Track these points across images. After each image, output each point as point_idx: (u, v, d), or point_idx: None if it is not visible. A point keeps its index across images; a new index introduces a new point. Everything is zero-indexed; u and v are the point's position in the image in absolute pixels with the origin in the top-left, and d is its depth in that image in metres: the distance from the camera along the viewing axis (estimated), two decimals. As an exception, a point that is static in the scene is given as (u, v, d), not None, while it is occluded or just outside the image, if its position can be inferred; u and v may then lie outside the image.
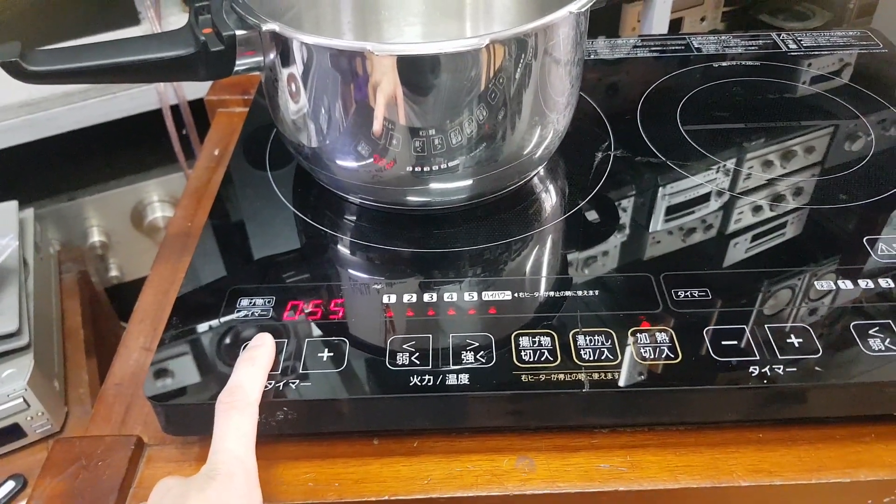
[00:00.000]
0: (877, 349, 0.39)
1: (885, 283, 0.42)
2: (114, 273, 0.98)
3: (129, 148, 0.93)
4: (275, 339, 0.40)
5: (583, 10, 0.42)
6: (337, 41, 0.39)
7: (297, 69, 0.42)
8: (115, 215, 0.95)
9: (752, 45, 0.67)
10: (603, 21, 1.18)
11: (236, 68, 0.43)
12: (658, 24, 1.15)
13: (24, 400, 0.61)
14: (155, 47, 0.41)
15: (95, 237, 0.94)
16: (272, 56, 0.42)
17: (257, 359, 0.38)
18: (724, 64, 0.65)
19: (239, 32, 0.41)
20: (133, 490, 0.39)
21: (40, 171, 0.89)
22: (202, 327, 0.41)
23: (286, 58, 0.41)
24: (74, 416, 0.67)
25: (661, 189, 0.51)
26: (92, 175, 0.93)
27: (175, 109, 0.84)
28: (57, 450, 0.40)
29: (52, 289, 0.78)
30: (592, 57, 0.67)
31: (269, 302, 0.42)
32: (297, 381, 0.38)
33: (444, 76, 0.41)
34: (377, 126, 0.43)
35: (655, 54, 0.67)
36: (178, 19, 0.79)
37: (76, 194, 0.92)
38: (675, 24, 1.29)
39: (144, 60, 0.41)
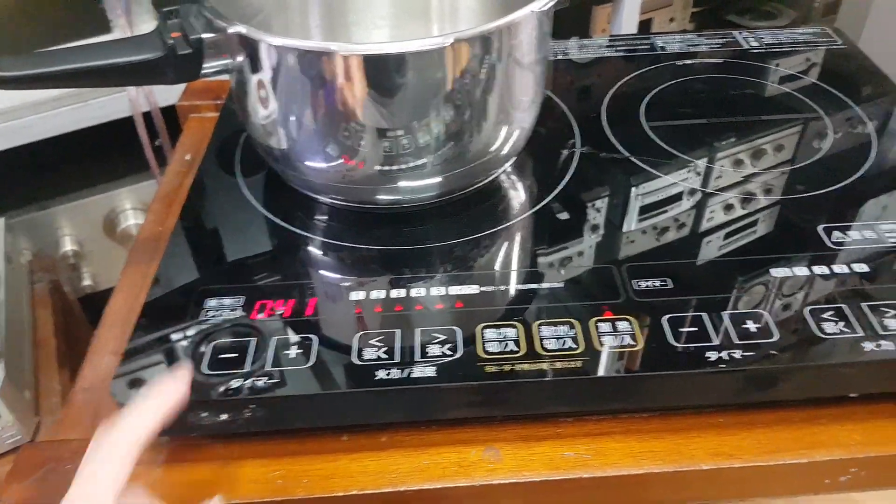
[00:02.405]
0: (830, 332, 0.40)
1: (838, 269, 0.44)
2: (87, 282, 0.98)
3: (102, 156, 0.93)
4: (244, 337, 0.40)
5: (545, 9, 0.43)
6: (303, 42, 0.40)
7: (264, 72, 0.42)
8: (87, 224, 0.95)
9: (715, 44, 0.69)
10: (574, 22, 1.20)
11: (204, 71, 0.43)
12: (627, 24, 1.17)
13: (-4, 409, 0.60)
14: (123, 51, 0.42)
15: (68, 246, 0.94)
16: (240, 59, 0.43)
17: (154, 398, 0.35)
18: (687, 62, 0.66)
19: (206, 36, 0.42)
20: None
21: (11, 181, 0.89)
22: (170, 329, 0.41)
23: (254, 60, 0.42)
24: (46, 425, 0.66)
25: (624, 184, 0.52)
26: (64, 184, 0.92)
27: (147, 116, 0.84)
28: (24, 455, 0.40)
29: (24, 299, 0.78)
30: (561, 57, 0.68)
31: (237, 301, 0.43)
32: (265, 378, 0.38)
33: (410, 76, 0.42)
34: (346, 127, 0.43)
35: (621, 54, 0.68)
36: (149, 26, 0.79)
37: (48, 203, 0.92)
38: (645, 25, 1.32)
39: (113, 64, 0.41)
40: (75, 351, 0.79)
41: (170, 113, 0.84)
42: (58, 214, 0.92)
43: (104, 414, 0.43)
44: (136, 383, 0.39)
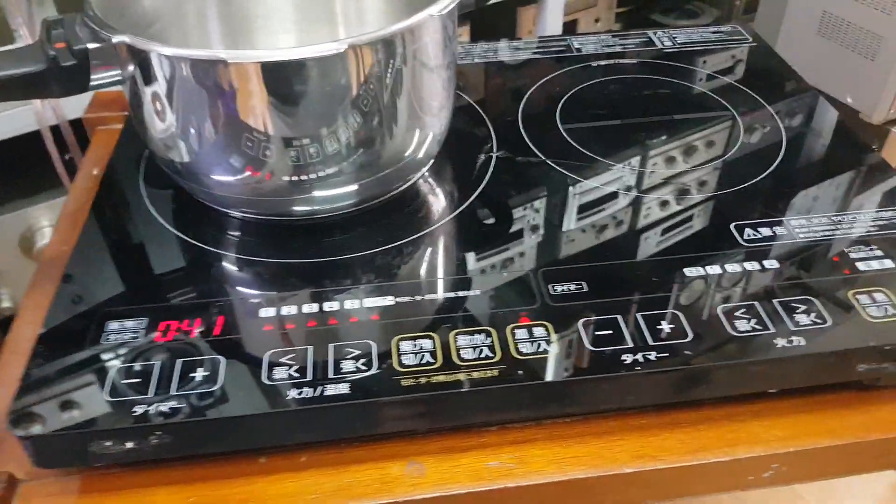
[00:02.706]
0: (743, 330, 0.40)
1: (749, 266, 0.44)
2: (5, 304, 0.94)
3: (13, 172, 0.89)
4: (146, 361, 0.38)
5: (445, 12, 0.42)
6: (191, 51, 0.39)
7: (158, 83, 0.41)
8: (3, 243, 0.91)
9: (630, 44, 0.69)
10: (502, 24, 1.20)
11: (93, 83, 0.41)
12: (552, 25, 1.18)
13: None
14: (3, 64, 0.39)
15: (-19, 267, 0.89)
16: (130, 69, 0.41)
17: None
18: (602, 63, 0.66)
19: (91, 46, 0.40)
20: (3, 529, 0.37)
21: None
22: (69, 354, 0.39)
23: (145, 71, 0.40)
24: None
25: (539, 188, 0.52)
26: (-26, 202, 0.88)
27: (56, 130, 0.80)
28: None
29: (-69, 324, 0.74)
30: (478, 61, 0.67)
31: (140, 324, 0.41)
32: (169, 402, 0.37)
33: (310, 82, 0.41)
34: (248, 137, 0.42)
35: (538, 56, 0.68)
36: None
37: (-42, 222, 0.87)
38: (571, 26, 1.33)
39: (-7, 78, 0.39)
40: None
41: (80, 125, 0.81)
42: (-31, 234, 0.88)
43: (7, 444, 0.41)
44: (33, 415, 0.37)
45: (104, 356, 0.39)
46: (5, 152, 0.81)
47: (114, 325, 0.41)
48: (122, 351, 0.39)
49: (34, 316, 0.49)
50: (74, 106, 0.79)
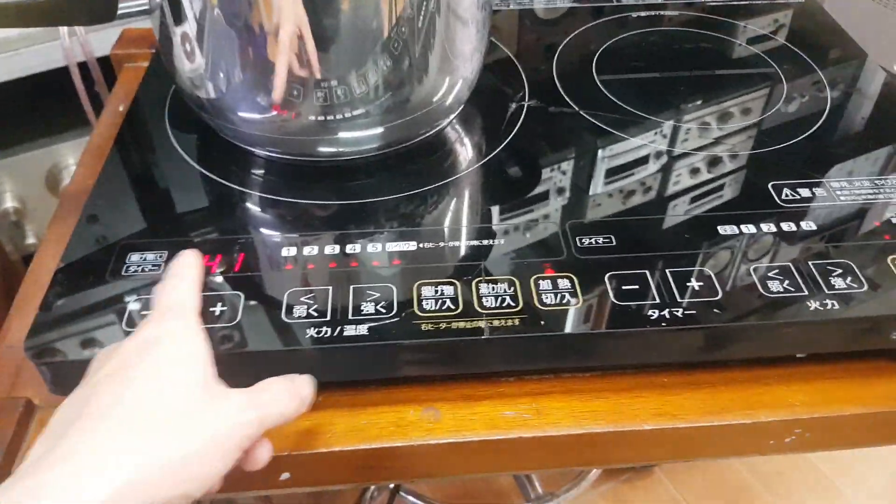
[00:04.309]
0: (775, 291, 0.39)
1: (786, 227, 0.43)
2: (31, 240, 0.94)
3: (40, 109, 0.89)
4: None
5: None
6: (221, -22, 0.37)
7: (185, 14, 0.40)
8: (28, 180, 0.91)
9: (674, -3, 0.67)
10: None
11: (121, 11, 0.40)
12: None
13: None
14: (30, -11, 0.39)
15: (9, 203, 0.90)
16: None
17: (184, 273, 0.35)
18: (642, 14, 0.64)
19: (119, -30, 0.39)
20: (22, 453, 0.37)
21: (-56, 134, 0.85)
22: (89, 284, 0.39)
23: (174, 1, 0.39)
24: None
25: (571, 139, 0.50)
26: (1, 138, 0.88)
27: (84, 67, 0.80)
28: (-59, 414, 0.38)
29: (-41, 256, 0.74)
30: (514, 7, 0.65)
31: (160, 257, 0.40)
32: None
33: (341, 19, 0.39)
34: (278, 73, 0.41)
35: (575, 4, 0.66)
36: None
37: (-15, 159, 0.88)
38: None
39: (16, 3, 0.38)
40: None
41: (108, 63, 0.80)
42: (-4, 170, 0.88)
43: (27, 372, 0.41)
44: (52, 342, 0.37)
45: (124, 287, 0.39)
46: (33, 88, 0.81)
47: (135, 257, 0.40)
48: (142, 282, 0.39)
49: (56, 249, 0.49)
50: (102, 43, 0.78)
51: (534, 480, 0.96)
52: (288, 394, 0.33)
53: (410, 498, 0.94)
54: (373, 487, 0.92)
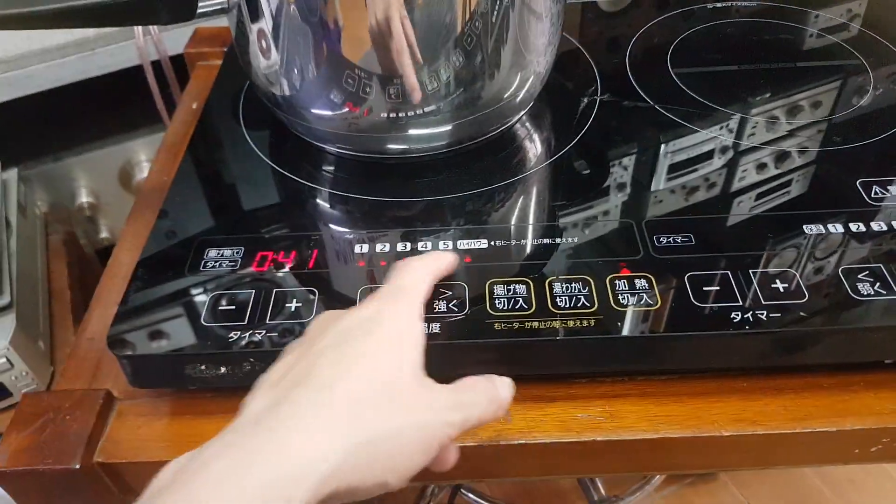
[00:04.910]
0: (865, 294, 0.37)
1: (876, 226, 0.41)
2: (104, 235, 0.98)
3: (115, 106, 0.91)
4: (243, 289, 0.39)
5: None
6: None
7: (264, 10, 0.40)
8: (102, 176, 0.94)
9: (749, -13, 0.65)
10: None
11: (200, 10, 0.41)
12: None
13: (7, 359, 0.60)
14: (112, -11, 0.39)
15: (83, 198, 0.93)
16: (236, -4, 0.40)
17: (430, 262, 0.35)
18: (718, 5, 0.62)
19: (200, -30, 0.39)
20: (101, 444, 0.38)
21: (24, 132, 0.88)
22: (168, 279, 0.40)
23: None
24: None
25: (647, 134, 0.49)
26: (78, 135, 0.91)
27: (157, 65, 0.82)
28: (25, 404, 0.40)
29: (38, 250, 0.77)
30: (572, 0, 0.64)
31: (237, 253, 0.41)
32: (263, 331, 0.37)
33: (417, 15, 0.39)
34: (349, 73, 0.41)
35: (649, -3, 0.64)
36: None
37: (62, 155, 0.91)
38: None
39: (101, 3, 0.39)
40: (91, 303, 0.79)
41: (180, 61, 0.82)
42: (72, 166, 0.91)
43: (107, 364, 0.42)
44: (132, 336, 0.38)
45: (203, 282, 0.39)
46: (107, 87, 0.83)
47: (212, 252, 0.41)
48: (220, 278, 0.40)
49: (133, 244, 0.50)
50: (176, 42, 0.80)
51: (597, 482, 0.94)
52: (488, 396, 0.31)
53: (471, 496, 0.94)
54: (433, 485, 0.92)
